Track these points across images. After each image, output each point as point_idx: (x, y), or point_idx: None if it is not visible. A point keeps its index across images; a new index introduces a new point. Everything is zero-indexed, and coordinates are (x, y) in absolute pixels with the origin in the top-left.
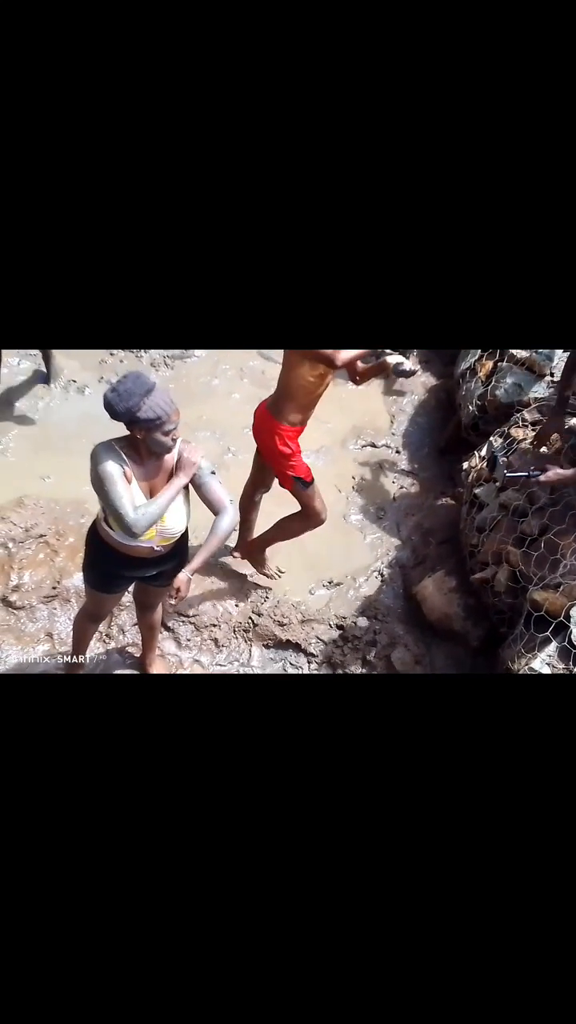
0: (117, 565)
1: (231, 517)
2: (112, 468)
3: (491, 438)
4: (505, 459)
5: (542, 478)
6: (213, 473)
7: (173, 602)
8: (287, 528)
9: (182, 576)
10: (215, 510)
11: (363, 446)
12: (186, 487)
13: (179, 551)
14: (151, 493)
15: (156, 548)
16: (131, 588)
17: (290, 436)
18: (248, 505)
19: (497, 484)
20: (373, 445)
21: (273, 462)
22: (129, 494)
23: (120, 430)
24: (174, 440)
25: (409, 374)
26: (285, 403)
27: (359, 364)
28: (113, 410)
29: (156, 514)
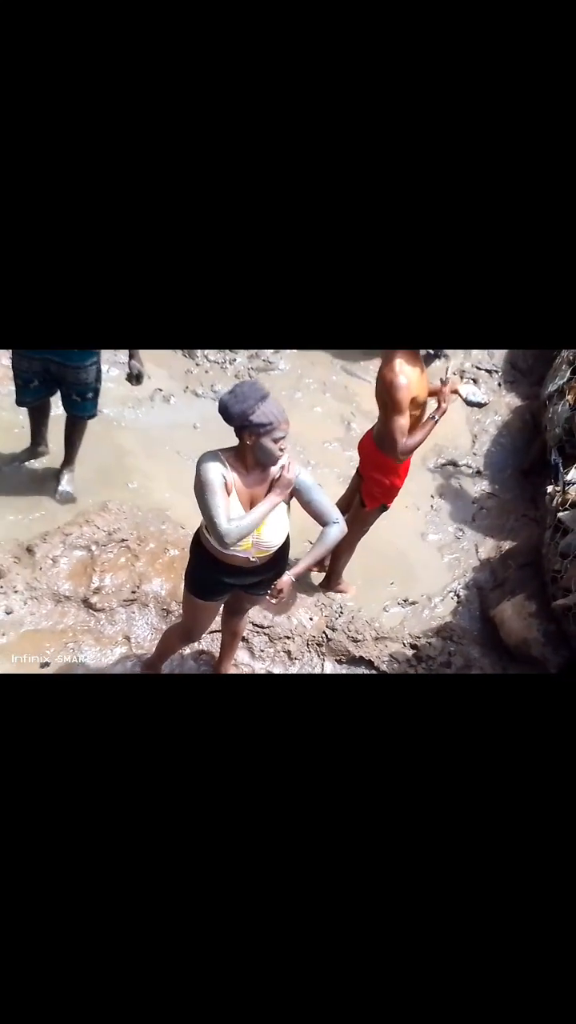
0: (216, 571)
1: (339, 528)
2: (214, 476)
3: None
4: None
5: None
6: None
7: (273, 601)
8: (346, 547)
9: (285, 578)
10: (323, 522)
11: (443, 464)
12: (288, 503)
13: (279, 562)
14: (252, 504)
15: (252, 559)
16: None
17: (403, 470)
18: None
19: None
20: (454, 464)
21: (374, 487)
22: (226, 504)
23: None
24: (282, 450)
25: (480, 405)
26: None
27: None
28: (228, 412)
29: (248, 528)
